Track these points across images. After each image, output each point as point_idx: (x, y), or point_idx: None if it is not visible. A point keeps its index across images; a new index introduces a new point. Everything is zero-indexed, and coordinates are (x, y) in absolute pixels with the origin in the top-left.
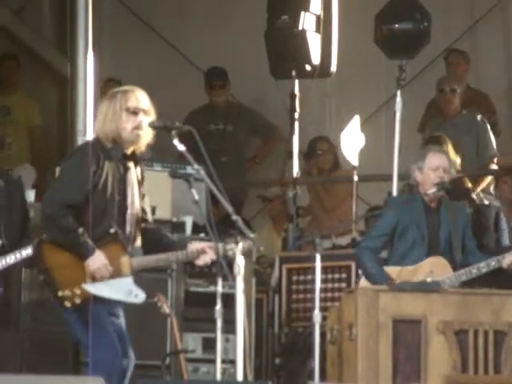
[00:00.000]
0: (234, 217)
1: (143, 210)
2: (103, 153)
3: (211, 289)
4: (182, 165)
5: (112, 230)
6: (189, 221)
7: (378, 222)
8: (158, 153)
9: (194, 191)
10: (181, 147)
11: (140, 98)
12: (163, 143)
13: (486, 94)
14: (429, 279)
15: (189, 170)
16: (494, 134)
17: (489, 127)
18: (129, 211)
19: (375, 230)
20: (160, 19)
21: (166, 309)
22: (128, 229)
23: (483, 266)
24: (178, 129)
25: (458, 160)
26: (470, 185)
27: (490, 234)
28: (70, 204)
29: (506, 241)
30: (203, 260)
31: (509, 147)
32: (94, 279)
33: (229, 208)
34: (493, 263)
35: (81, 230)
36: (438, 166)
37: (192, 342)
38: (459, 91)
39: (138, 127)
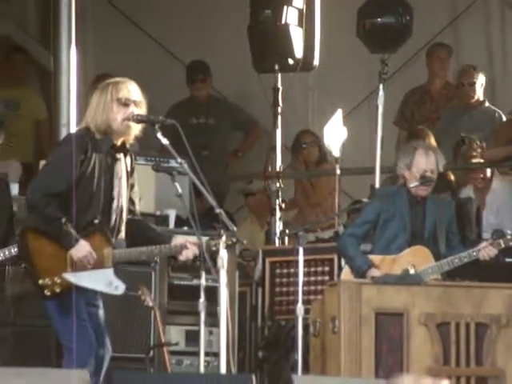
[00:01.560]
0: (217, 210)
1: (131, 201)
2: (92, 143)
3: (195, 282)
4: (165, 158)
5: (97, 221)
6: (172, 214)
7: (362, 211)
8: (142, 146)
9: (177, 185)
10: (164, 141)
11: (131, 90)
12: (147, 137)
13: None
14: (411, 270)
15: (172, 163)
16: None
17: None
18: (115, 202)
19: (360, 218)
20: (143, 13)
21: (150, 302)
22: (113, 220)
23: (464, 256)
24: (161, 122)
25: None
26: (452, 178)
27: (472, 227)
28: (54, 192)
29: (487, 234)
30: (185, 255)
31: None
32: (74, 269)
33: (212, 201)
34: (474, 253)
35: (64, 219)
36: (425, 170)
37: (175, 334)
38: (478, 83)
39: (128, 118)
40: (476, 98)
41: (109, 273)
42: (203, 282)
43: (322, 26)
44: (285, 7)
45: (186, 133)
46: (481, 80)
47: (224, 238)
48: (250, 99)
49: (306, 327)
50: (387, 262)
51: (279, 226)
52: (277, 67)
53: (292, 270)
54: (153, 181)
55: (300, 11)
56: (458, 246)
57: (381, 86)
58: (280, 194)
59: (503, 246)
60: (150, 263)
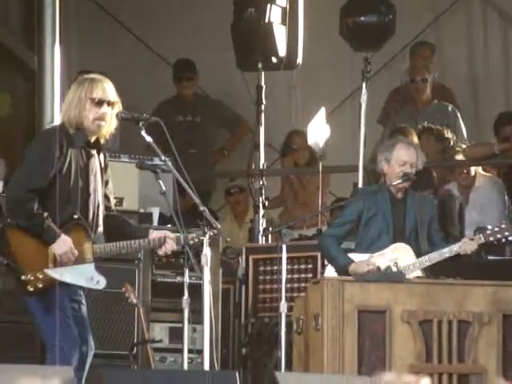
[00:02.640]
0: (201, 208)
1: (106, 197)
2: (67, 139)
3: (178, 279)
4: (149, 156)
5: (76, 216)
6: (156, 212)
7: (343, 210)
8: (126, 144)
9: (161, 182)
10: (148, 138)
11: (107, 89)
12: (131, 135)
13: (447, 88)
14: (393, 267)
15: (156, 161)
16: None
17: (460, 116)
18: (91, 198)
19: (340, 218)
20: (127, 12)
21: (134, 299)
22: (91, 215)
23: (446, 252)
24: (145, 120)
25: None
26: (434, 175)
27: (455, 224)
28: (34, 188)
29: (470, 231)
30: (164, 249)
31: (471, 139)
32: (56, 264)
33: (196, 199)
34: (455, 249)
35: (45, 214)
36: (405, 162)
37: (159, 331)
38: (430, 81)
39: (99, 118)
40: (426, 94)
41: (90, 268)
42: (187, 279)
43: (306, 24)
44: (268, 5)
45: (172, 131)
46: (431, 78)
47: (207, 235)
48: (234, 97)
49: (289, 324)
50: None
51: (262, 224)
52: (260, 65)
53: (275, 268)
54: (137, 178)
55: (283, 9)
56: (440, 242)
57: (364, 85)
58: (263, 191)
59: (483, 240)
60: (133, 260)
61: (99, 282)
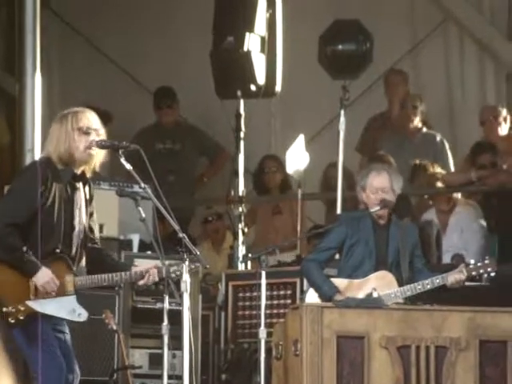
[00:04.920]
0: (181, 234)
1: (91, 229)
2: (52, 174)
3: (158, 306)
4: (129, 183)
5: (58, 250)
6: (136, 238)
7: (327, 236)
8: (106, 171)
9: (140, 209)
10: (128, 166)
11: (91, 119)
12: (111, 162)
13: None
14: (375, 294)
15: (136, 188)
16: None
17: (447, 147)
18: (76, 231)
19: (323, 243)
20: (108, 41)
21: (114, 325)
22: (74, 249)
23: (428, 283)
24: (124, 148)
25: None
26: (412, 202)
27: (432, 250)
28: (15, 223)
29: (447, 258)
30: (145, 280)
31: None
32: (37, 296)
33: (175, 226)
34: (437, 281)
35: (25, 248)
36: (377, 189)
37: (139, 357)
38: (421, 109)
39: (90, 147)
40: (416, 122)
41: (72, 300)
42: (166, 305)
43: (284, 52)
44: (247, 34)
45: (152, 158)
46: (422, 108)
47: (187, 262)
48: (213, 124)
49: (268, 350)
50: (352, 287)
51: (242, 250)
52: (239, 93)
53: (255, 294)
54: (116, 205)
55: (262, 38)
56: (423, 269)
57: (342, 112)
58: (242, 218)
59: (466, 274)
60: (114, 287)
61: (81, 315)
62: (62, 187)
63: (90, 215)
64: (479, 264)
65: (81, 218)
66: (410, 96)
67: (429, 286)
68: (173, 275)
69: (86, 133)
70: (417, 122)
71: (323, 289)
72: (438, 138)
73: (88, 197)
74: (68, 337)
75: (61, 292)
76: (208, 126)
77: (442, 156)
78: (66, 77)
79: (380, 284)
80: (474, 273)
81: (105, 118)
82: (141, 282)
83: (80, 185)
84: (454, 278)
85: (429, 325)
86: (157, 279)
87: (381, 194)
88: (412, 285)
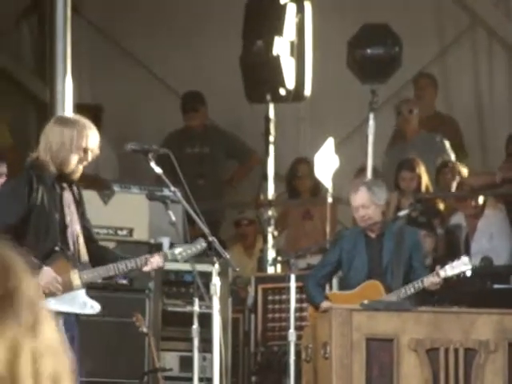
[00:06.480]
0: (210, 237)
1: (86, 229)
2: (37, 175)
3: (188, 309)
4: (159, 187)
5: (57, 248)
6: (166, 242)
7: (325, 253)
8: (136, 175)
9: (170, 213)
10: (158, 170)
11: (92, 138)
12: (141, 166)
13: (453, 119)
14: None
15: (166, 192)
16: (459, 156)
17: (448, 146)
18: (69, 230)
19: (321, 260)
20: (138, 44)
21: (144, 328)
22: (71, 246)
23: (410, 287)
24: (154, 152)
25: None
26: (441, 206)
27: (461, 254)
28: (6, 227)
29: (475, 262)
30: (150, 266)
31: (477, 169)
32: (45, 296)
33: (205, 229)
34: (417, 285)
35: (23, 250)
36: (357, 207)
37: (169, 360)
38: (416, 112)
39: (82, 163)
40: (413, 125)
41: (81, 294)
42: (197, 308)
43: (313, 56)
44: (276, 38)
45: (181, 162)
46: (417, 112)
47: (217, 265)
48: (242, 128)
49: (298, 353)
50: (342, 298)
51: (271, 254)
52: (268, 97)
53: (284, 297)
54: (147, 209)
55: (291, 42)
56: (423, 271)
57: (371, 116)
58: (272, 221)
59: (449, 274)
60: (144, 290)
61: (93, 307)
62: (50, 186)
63: (82, 214)
64: (453, 264)
65: (72, 216)
66: (405, 101)
67: (412, 290)
68: (179, 257)
69: (85, 151)
70: (414, 124)
71: (312, 295)
72: (438, 138)
73: (77, 196)
74: (76, 336)
75: (68, 288)
76: (238, 130)
77: (442, 156)
78: (96, 81)
79: (367, 293)
80: (449, 273)
81: (97, 111)
82: (146, 269)
83: (65, 185)
84: (429, 281)
85: (457, 327)
86: (161, 265)
87: (361, 210)
88: (397, 290)
